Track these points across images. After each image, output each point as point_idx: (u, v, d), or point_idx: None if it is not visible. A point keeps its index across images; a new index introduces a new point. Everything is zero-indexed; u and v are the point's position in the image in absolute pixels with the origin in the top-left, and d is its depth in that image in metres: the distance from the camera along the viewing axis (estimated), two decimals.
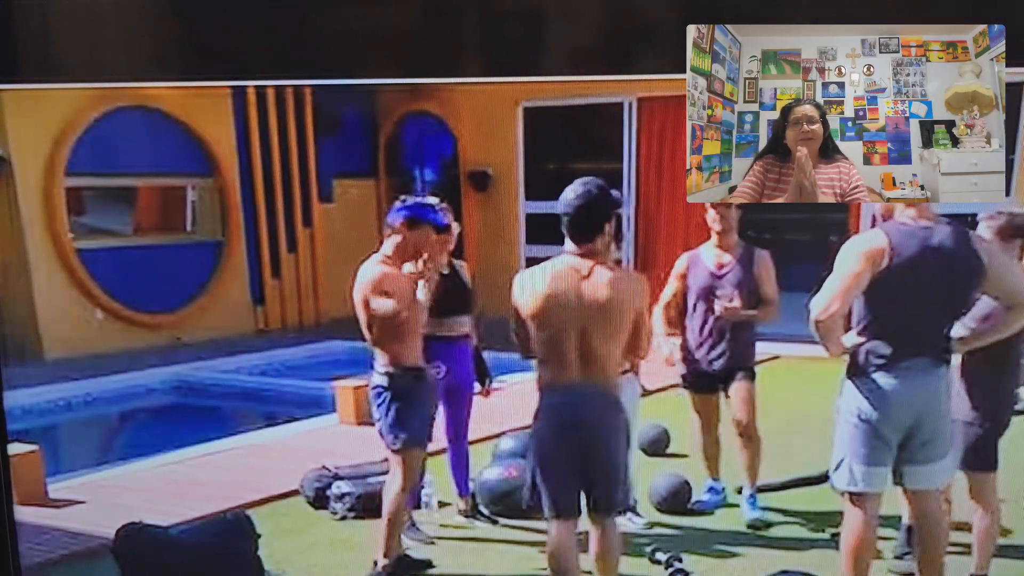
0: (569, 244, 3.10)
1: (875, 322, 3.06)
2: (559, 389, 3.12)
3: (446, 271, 3.95)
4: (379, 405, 3.67)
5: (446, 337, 3.99)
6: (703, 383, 4.24)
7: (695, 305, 4.18)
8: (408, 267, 3.63)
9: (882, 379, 3.03)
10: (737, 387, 4.17)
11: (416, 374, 3.70)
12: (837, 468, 3.12)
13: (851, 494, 3.10)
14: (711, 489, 4.38)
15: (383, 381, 3.67)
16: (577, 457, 3.13)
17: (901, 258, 2.97)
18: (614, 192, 3.18)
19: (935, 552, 3.16)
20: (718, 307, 4.08)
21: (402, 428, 3.63)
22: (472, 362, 4.18)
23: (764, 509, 4.23)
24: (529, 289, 3.11)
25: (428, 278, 3.62)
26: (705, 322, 4.15)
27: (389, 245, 3.68)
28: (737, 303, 4.06)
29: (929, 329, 3.03)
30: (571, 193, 3.08)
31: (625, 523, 4.06)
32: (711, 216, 4.12)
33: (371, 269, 3.65)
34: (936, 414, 3.05)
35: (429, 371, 3.78)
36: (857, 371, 3.09)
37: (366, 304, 3.61)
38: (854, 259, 3.02)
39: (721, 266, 4.13)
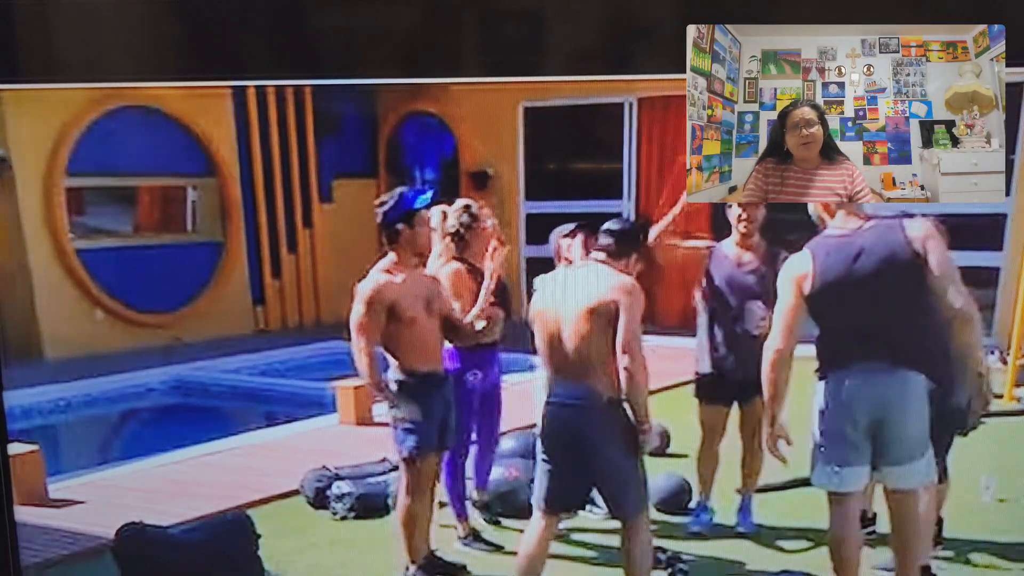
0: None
1: (823, 333, 3.10)
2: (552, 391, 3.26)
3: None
4: (391, 410, 3.59)
5: (482, 344, 3.87)
6: (719, 393, 3.99)
7: (717, 301, 3.95)
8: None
9: (839, 383, 3.05)
10: (756, 404, 3.87)
11: (430, 380, 3.59)
12: (814, 468, 3.15)
13: (831, 493, 3.12)
14: (704, 508, 4.17)
15: (394, 387, 3.57)
16: (575, 458, 3.18)
17: (826, 277, 3.00)
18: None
19: (912, 554, 3.15)
20: (754, 328, 3.78)
21: (410, 434, 3.53)
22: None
23: (759, 525, 4.15)
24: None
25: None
26: (728, 327, 3.91)
27: (392, 251, 3.55)
28: (768, 320, 3.67)
29: (877, 333, 3.01)
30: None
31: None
32: (735, 214, 3.89)
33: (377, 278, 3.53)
34: (900, 417, 3.01)
35: (444, 377, 3.67)
36: (820, 375, 3.13)
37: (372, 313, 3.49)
38: (787, 289, 3.08)
39: (742, 263, 3.91)
